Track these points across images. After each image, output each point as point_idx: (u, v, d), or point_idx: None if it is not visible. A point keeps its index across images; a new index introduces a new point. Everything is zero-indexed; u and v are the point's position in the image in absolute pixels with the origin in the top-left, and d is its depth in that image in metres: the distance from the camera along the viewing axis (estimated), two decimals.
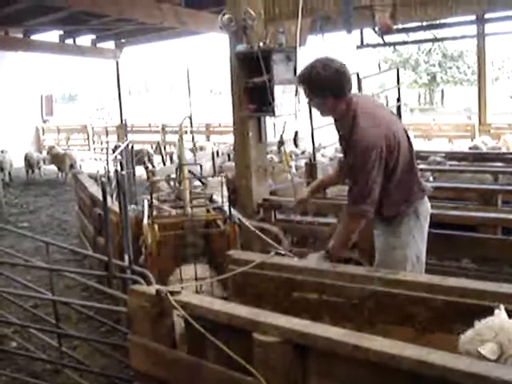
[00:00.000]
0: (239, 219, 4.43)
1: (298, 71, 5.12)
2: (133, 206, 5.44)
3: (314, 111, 6.94)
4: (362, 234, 4.05)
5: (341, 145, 3.51)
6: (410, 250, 3.34)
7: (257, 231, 3.95)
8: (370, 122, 3.14)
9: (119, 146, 9.38)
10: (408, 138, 3.35)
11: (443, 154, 8.37)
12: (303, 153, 10.84)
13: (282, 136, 5.65)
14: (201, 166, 5.80)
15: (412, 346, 1.96)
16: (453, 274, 4.00)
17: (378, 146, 3.07)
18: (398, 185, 3.27)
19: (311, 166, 6.58)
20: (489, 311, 2.35)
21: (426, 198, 3.47)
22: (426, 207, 3.47)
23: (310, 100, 3.37)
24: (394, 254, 3.34)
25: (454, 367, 1.76)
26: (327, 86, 3.14)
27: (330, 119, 3.47)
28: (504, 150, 11.39)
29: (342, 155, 3.74)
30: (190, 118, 5.30)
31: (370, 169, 3.08)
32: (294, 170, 8.36)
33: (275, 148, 10.70)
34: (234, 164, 7.08)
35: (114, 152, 9.52)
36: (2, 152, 15.48)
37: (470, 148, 11.20)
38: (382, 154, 3.09)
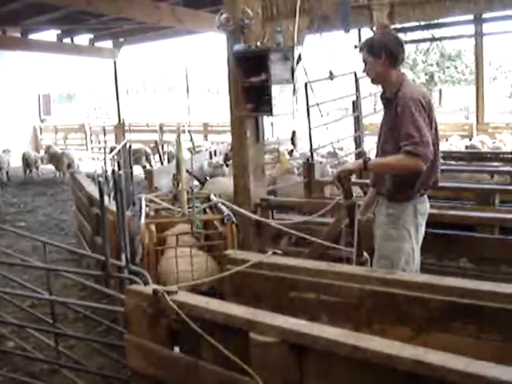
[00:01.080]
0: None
1: (296, 71, 5.17)
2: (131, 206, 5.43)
3: (312, 112, 6.97)
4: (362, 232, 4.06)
5: (385, 109, 3.69)
6: (405, 243, 3.51)
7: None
8: (415, 89, 3.52)
9: (116, 148, 9.38)
10: (436, 127, 3.54)
11: (441, 154, 8.36)
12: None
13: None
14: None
15: (410, 346, 1.96)
16: (451, 273, 4.01)
17: (421, 101, 3.37)
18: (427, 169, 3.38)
19: (309, 166, 6.58)
20: (487, 311, 2.36)
21: (425, 197, 3.61)
22: (425, 206, 3.62)
23: (365, 64, 3.62)
24: (391, 244, 3.53)
25: (452, 367, 1.76)
26: (385, 47, 3.49)
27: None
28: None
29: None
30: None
31: (416, 116, 3.30)
32: (295, 170, 8.36)
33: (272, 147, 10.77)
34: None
35: (111, 152, 9.51)
36: (4, 152, 15.45)
37: (466, 147, 11.23)
38: (422, 106, 3.35)
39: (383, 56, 3.49)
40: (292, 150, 10.98)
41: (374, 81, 3.71)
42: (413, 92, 3.43)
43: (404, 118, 3.34)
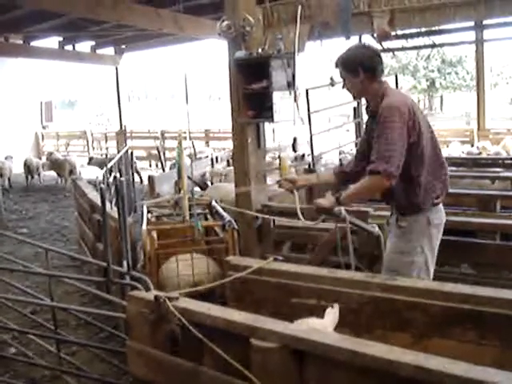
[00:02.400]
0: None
1: (297, 77, 5.17)
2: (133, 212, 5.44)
3: (314, 118, 6.99)
4: (361, 239, 4.09)
5: (371, 123, 3.57)
6: (417, 256, 3.37)
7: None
8: (396, 96, 3.37)
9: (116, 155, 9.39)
10: (432, 133, 3.45)
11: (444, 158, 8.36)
12: (303, 157, 10.82)
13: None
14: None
15: (410, 351, 1.96)
16: (451, 279, 4.00)
17: (401, 108, 3.21)
18: (426, 176, 3.34)
19: (310, 172, 6.59)
20: (487, 317, 2.36)
21: (440, 206, 3.48)
22: (440, 216, 3.48)
23: (344, 81, 3.52)
24: (401, 258, 3.39)
25: (452, 373, 1.77)
26: (361, 63, 3.36)
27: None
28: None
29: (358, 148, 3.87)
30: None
31: (393, 127, 3.17)
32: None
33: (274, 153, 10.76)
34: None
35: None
36: (6, 158, 15.48)
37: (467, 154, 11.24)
38: (404, 117, 3.19)
39: (361, 72, 3.37)
40: (303, 155, 10.90)
41: (355, 97, 3.65)
42: (392, 101, 3.28)
43: (377, 131, 3.27)
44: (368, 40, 12.19)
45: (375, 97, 3.43)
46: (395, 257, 3.44)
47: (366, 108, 3.64)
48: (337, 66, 3.52)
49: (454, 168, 8.12)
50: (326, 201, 3.49)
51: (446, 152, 11.79)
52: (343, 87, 3.60)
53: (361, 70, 3.37)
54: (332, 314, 2.48)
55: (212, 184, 9.73)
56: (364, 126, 3.82)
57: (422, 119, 3.34)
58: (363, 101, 8.25)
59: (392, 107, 3.23)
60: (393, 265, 3.44)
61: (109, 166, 7.77)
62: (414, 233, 3.38)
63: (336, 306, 2.50)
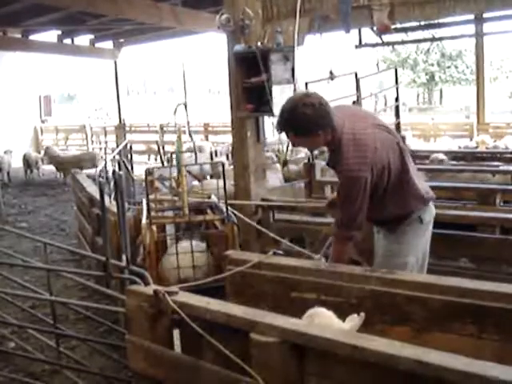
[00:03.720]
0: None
1: (296, 71, 5.16)
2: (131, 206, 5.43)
3: None
4: (361, 235, 4.07)
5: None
6: (410, 257, 3.32)
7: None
8: (354, 153, 3.06)
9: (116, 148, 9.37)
10: (400, 149, 3.25)
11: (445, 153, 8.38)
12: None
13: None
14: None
15: (410, 345, 1.96)
16: (451, 273, 3.99)
17: (362, 177, 3.03)
18: (392, 198, 3.24)
19: (310, 166, 6.58)
20: (487, 311, 2.36)
21: (430, 204, 3.43)
22: (430, 212, 3.44)
23: (297, 143, 3.34)
24: (394, 260, 3.31)
25: (452, 367, 1.76)
26: (316, 123, 3.04)
27: None
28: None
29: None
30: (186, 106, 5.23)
31: (354, 198, 3.07)
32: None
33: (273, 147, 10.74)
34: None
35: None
36: (5, 152, 15.47)
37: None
38: (366, 186, 3.05)
39: (315, 131, 3.07)
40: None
41: (311, 150, 3.53)
42: (354, 167, 3.04)
43: (341, 196, 3.25)
44: (368, 33, 12.19)
45: (330, 146, 3.22)
46: (388, 260, 3.35)
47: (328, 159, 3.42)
48: (281, 131, 3.25)
49: (453, 162, 8.14)
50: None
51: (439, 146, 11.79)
52: (293, 145, 3.49)
53: (316, 130, 3.07)
54: (355, 320, 2.41)
55: (211, 177, 9.74)
56: None
57: (390, 145, 3.19)
58: (363, 95, 8.21)
59: (353, 179, 3.07)
60: (385, 267, 3.28)
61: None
62: (406, 235, 3.32)
63: (362, 316, 2.39)
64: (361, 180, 3.04)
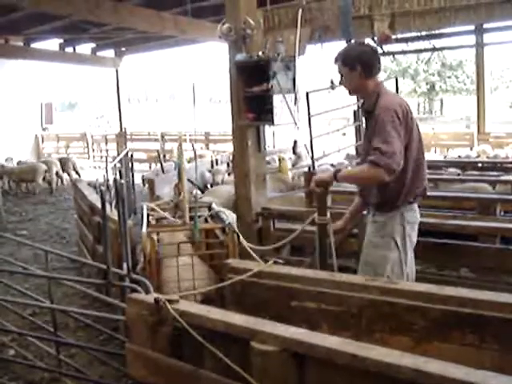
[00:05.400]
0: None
1: (298, 80, 5.18)
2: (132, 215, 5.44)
3: (314, 121, 6.98)
4: (361, 242, 4.07)
5: (366, 121, 3.67)
6: (390, 251, 3.46)
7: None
8: (390, 96, 3.47)
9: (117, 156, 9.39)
10: (420, 139, 3.50)
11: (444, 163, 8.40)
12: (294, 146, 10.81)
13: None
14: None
15: (409, 355, 1.96)
16: (451, 283, 4.00)
17: (397, 110, 3.28)
18: (411, 177, 3.41)
19: (311, 175, 6.57)
20: (487, 320, 2.36)
21: (414, 206, 3.55)
22: (415, 215, 3.56)
23: (341, 76, 3.57)
24: (376, 252, 3.50)
25: (452, 376, 1.76)
26: (360, 59, 3.43)
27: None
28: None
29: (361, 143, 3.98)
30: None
31: (393, 126, 3.23)
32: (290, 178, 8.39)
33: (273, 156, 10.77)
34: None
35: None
36: (6, 160, 15.47)
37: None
38: (397, 116, 3.26)
39: (358, 67, 3.43)
40: (294, 145, 10.87)
41: (351, 92, 3.66)
42: (388, 103, 3.35)
43: (375, 129, 3.30)
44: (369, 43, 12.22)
45: (370, 95, 3.50)
46: (370, 251, 3.55)
47: (362, 105, 3.73)
48: (336, 60, 3.55)
49: (453, 171, 8.15)
50: (325, 174, 3.65)
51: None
52: (340, 83, 3.67)
53: (358, 65, 3.42)
54: None
55: (212, 186, 9.74)
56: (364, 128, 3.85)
57: (413, 122, 3.42)
58: None
59: (390, 109, 3.29)
60: (368, 259, 3.56)
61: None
62: (387, 228, 3.47)
63: None
64: (394, 109, 3.28)
